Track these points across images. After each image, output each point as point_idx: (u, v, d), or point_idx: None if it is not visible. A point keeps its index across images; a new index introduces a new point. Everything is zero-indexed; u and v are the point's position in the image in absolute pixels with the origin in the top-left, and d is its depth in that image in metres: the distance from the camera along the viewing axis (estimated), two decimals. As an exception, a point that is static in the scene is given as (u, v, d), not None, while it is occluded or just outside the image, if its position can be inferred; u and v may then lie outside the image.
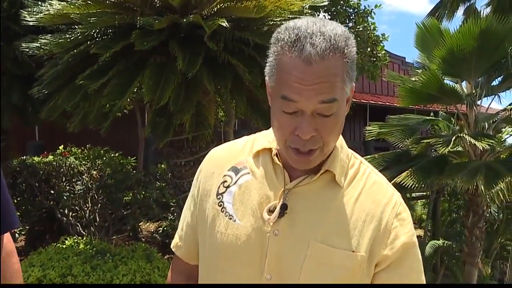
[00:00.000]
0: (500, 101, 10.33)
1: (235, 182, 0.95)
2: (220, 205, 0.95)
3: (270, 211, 0.89)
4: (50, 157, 6.24)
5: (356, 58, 0.85)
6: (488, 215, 7.52)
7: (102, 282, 3.51)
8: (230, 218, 0.92)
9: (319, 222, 0.87)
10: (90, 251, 4.13)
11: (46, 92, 4.02)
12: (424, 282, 0.92)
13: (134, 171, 5.97)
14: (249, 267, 0.89)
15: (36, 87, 4.08)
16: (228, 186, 0.95)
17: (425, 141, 6.50)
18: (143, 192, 5.44)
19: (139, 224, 6.15)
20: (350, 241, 0.86)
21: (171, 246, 1.12)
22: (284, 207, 0.88)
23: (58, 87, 4.03)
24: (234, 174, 0.96)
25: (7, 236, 1.14)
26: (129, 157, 6.29)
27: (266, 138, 0.97)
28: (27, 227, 6.10)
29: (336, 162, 0.91)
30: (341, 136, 0.94)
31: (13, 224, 1.13)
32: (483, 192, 6.07)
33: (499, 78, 7.10)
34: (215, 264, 0.95)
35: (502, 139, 8.06)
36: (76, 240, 4.53)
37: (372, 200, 0.90)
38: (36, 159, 6.18)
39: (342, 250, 0.86)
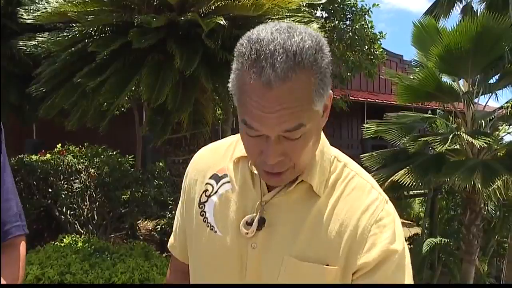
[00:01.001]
0: (498, 99, 10.35)
1: (216, 192, 0.94)
2: (202, 215, 0.94)
3: (248, 224, 0.87)
4: (48, 155, 6.24)
5: (329, 67, 0.77)
6: (485, 212, 7.54)
7: (100, 280, 3.51)
8: (211, 229, 0.92)
9: (294, 235, 0.85)
10: (89, 249, 4.14)
11: (43, 90, 4.01)
12: None
13: (132, 169, 5.98)
14: (231, 278, 0.90)
15: (34, 85, 4.07)
16: (209, 195, 0.95)
17: (422, 139, 6.51)
18: (141, 190, 5.44)
19: (137, 222, 6.16)
20: (323, 255, 0.84)
21: (168, 246, 1.14)
22: (261, 221, 0.86)
23: (55, 85, 4.03)
24: (215, 183, 0.95)
25: (23, 245, 1.12)
26: (126, 155, 6.29)
27: None
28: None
29: (314, 171, 0.86)
30: (324, 138, 0.90)
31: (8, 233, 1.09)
32: (480, 190, 6.09)
33: (496, 76, 7.12)
34: (198, 273, 0.97)
35: (499, 137, 8.08)
36: (74, 239, 4.54)
37: (348, 207, 0.85)
38: (34, 157, 6.17)
39: (316, 264, 0.83)
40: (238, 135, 0.97)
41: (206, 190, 0.96)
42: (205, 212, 0.94)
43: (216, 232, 0.91)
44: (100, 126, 4.16)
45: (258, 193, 0.88)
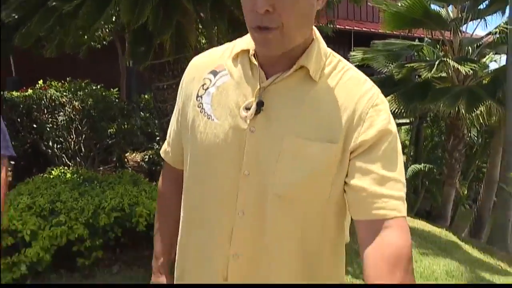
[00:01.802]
0: (486, 26, 10.26)
1: (214, 84, 0.97)
2: (200, 107, 0.97)
3: (247, 109, 0.90)
4: (30, 91, 6.10)
5: None
6: (468, 139, 7.75)
7: (90, 206, 3.56)
8: (209, 118, 0.94)
9: (294, 116, 0.89)
10: (77, 179, 4.17)
11: (15, 16, 3.82)
12: (400, 174, 0.88)
13: (117, 100, 5.90)
14: (228, 164, 0.92)
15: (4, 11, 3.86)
16: (207, 88, 0.97)
17: (408, 65, 6.51)
18: (126, 123, 5.41)
19: (125, 154, 6.19)
20: (324, 133, 0.88)
21: (160, 152, 1.17)
22: (260, 104, 0.89)
23: (28, 11, 3.83)
24: (213, 77, 0.98)
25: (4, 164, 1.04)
26: (111, 89, 6.18)
27: (245, 41, 0.97)
28: (13, 163, 6.09)
29: (311, 57, 0.91)
30: (319, 35, 0.95)
31: None
32: (464, 115, 6.20)
33: (487, 2, 7.00)
34: (196, 162, 0.98)
35: (486, 65, 8.09)
36: (63, 170, 4.56)
37: (346, 93, 0.90)
38: (15, 93, 6.03)
39: (317, 142, 0.87)
40: (233, 41, 1.01)
41: (203, 84, 0.98)
42: (202, 103, 0.97)
43: (213, 120, 0.94)
44: (80, 52, 4.03)
45: (257, 81, 0.92)
